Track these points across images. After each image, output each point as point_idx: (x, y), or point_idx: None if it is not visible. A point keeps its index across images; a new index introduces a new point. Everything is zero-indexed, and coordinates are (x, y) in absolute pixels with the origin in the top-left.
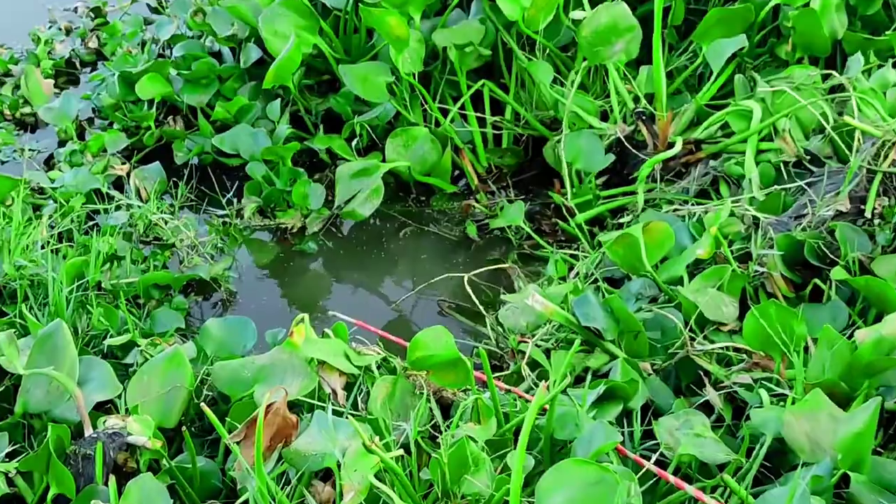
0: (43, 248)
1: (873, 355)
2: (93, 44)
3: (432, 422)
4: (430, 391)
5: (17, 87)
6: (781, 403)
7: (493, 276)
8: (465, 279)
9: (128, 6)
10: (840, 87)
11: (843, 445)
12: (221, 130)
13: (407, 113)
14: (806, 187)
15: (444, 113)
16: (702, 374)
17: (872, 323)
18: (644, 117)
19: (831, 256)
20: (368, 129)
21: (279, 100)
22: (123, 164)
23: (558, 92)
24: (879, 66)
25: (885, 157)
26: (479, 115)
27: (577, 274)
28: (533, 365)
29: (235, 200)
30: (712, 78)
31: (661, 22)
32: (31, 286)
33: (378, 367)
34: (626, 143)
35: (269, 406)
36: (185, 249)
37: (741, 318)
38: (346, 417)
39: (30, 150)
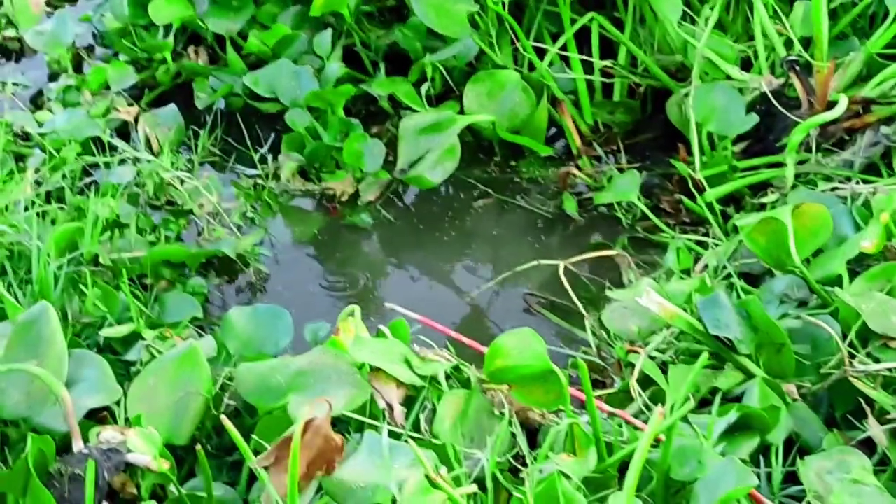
0: (27, 209)
1: None
2: None
3: (514, 450)
4: (512, 411)
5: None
6: None
7: (597, 266)
8: (561, 268)
9: None
10: None
11: None
12: (255, 67)
13: (493, 52)
14: None
15: (541, 54)
16: (863, 402)
17: None
18: (798, 67)
19: None
20: (443, 71)
21: (330, 30)
22: (130, 105)
23: (688, 31)
24: None
25: None
26: (584, 58)
27: (706, 267)
28: (645, 382)
29: (271, 157)
30: (888, 19)
31: None
32: (9, 258)
33: (447, 378)
34: (773, 101)
35: (307, 423)
36: (205, 218)
37: None
38: (406, 441)
39: (13, 84)
